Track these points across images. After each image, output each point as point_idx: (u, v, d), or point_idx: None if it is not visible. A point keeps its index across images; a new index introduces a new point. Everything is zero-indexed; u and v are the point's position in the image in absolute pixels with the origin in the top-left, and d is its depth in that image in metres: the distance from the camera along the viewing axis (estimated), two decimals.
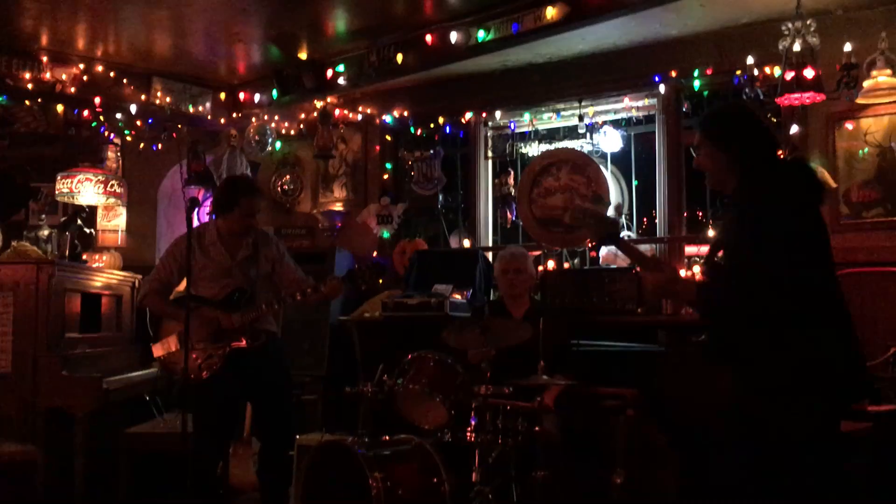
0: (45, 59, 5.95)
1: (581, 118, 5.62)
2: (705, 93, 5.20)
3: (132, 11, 5.31)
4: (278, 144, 6.83)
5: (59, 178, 6.16)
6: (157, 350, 4.30)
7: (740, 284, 2.54)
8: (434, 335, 3.94)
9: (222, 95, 6.70)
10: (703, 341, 3.87)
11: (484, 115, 6.09)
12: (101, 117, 6.38)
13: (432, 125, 6.24)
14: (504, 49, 5.29)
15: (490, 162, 6.20)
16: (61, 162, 6.46)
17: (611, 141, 5.60)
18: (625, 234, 5.55)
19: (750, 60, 4.62)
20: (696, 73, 5.10)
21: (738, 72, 4.79)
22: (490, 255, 5.81)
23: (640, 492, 3.96)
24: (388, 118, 6.38)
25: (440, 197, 6.26)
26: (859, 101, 4.45)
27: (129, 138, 6.68)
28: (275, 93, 6.27)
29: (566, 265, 5.52)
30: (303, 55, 6.02)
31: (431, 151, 6.22)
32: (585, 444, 4.09)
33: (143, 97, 6.32)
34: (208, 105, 6.66)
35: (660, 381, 4.22)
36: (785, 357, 2.51)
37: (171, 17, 5.41)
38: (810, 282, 2.52)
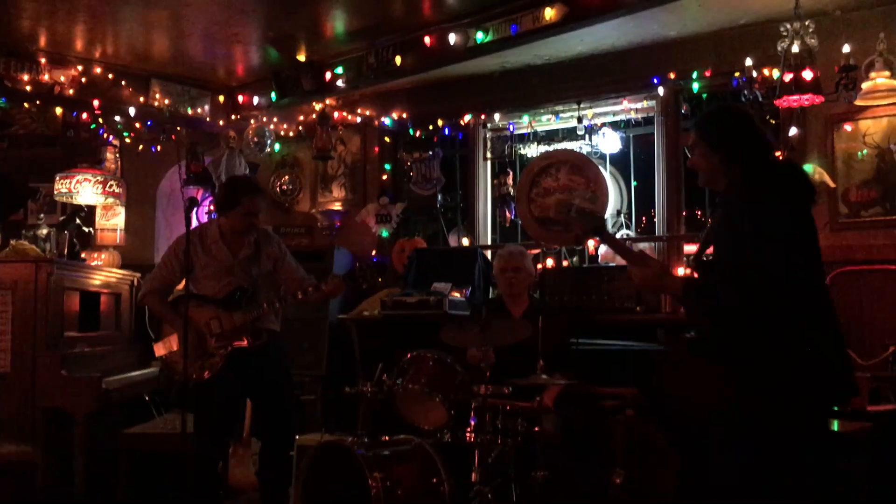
0: (43, 60, 5.94)
1: (580, 120, 5.63)
2: (704, 94, 5.20)
3: (131, 13, 5.31)
4: (277, 146, 6.83)
5: (57, 178, 6.17)
6: (159, 349, 4.29)
7: (727, 282, 2.56)
8: (433, 333, 3.94)
9: (221, 97, 6.69)
10: (692, 338, 3.90)
11: (483, 116, 6.10)
12: (100, 119, 6.37)
13: (431, 127, 6.24)
14: (503, 50, 5.28)
15: (489, 163, 6.21)
16: (60, 163, 6.45)
17: (610, 142, 5.61)
18: (624, 232, 5.57)
19: (748, 62, 4.62)
20: (694, 75, 5.11)
21: (737, 73, 4.79)
22: (489, 254, 5.81)
23: (640, 491, 3.96)
24: (386, 120, 6.39)
25: (439, 196, 6.27)
26: (858, 102, 4.46)
27: (127, 140, 6.67)
28: (273, 95, 6.27)
29: (565, 263, 5.53)
30: (301, 57, 6.02)
31: (430, 152, 6.23)
32: (585, 444, 4.10)
33: (141, 99, 6.32)
34: (207, 107, 6.66)
35: (659, 380, 4.22)
36: (782, 357, 2.53)
37: (169, 18, 5.40)
38: (800, 282, 2.54)
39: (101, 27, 5.59)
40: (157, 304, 4.31)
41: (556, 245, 5.43)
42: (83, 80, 6.08)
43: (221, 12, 5.26)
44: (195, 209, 4.15)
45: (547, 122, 5.93)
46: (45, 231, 6.01)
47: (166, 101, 6.41)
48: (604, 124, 5.66)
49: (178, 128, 6.63)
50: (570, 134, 5.76)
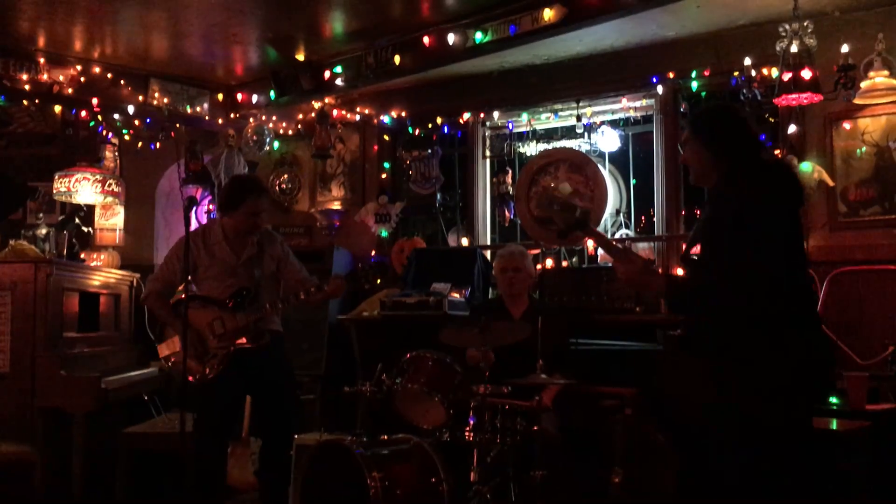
0: (42, 60, 5.94)
1: (579, 118, 5.62)
2: (703, 94, 5.20)
3: (129, 13, 5.30)
4: (276, 144, 6.83)
5: (56, 177, 6.15)
6: (163, 350, 4.27)
7: (726, 282, 2.56)
8: (432, 334, 3.94)
9: (220, 96, 6.69)
10: (679, 335, 3.91)
11: (482, 115, 6.10)
12: (99, 117, 6.38)
13: (430, 125, 6.24)
14: (502, 50, 5.28)
15: (488, 161, 6.21)
16: (59, 162, 6.45)
17: (609, 141, 5.60)
18: (623, 232, 5.57)
19: (747, 61, 4.62)
20: (693, 74, 5.12)
21: (736, 73, 4.79)
22: (488, 254, 5.81)
23: (639, 491, 3.97)
24: (386, 119, 6.39)
25: (438, 196, 6.27)
26: (857, 101, 4.46)
27: (126, 138, 6.67)
28: (272, 94, 6.27)
29: (564, 263, 5.53)
30: (300, 56, 6.01)
31: (429, 151, 6.23)
32: (584, 444, 4.11)
33: (140, 98, 6.31)
34: (206, 106, 6.66)
35: (659, 380, 4.23)
36: (782, 357, 2.53)
37: (168, 18, 5.39)
38: (798, 281, 2.55)
39: (99, 28, 5.59)
40: (158, 306, 4.28)
41: (556, 245, 5.42)
42: (82, 79, 6.08)
43: (220, 14, 5.25)
44: (194, 208, 4.14)
45: (546, 120, 5.93)
46: (44, 231, 6.00)
47: (165, 100, 6.41)
48: (603, 122, 5.66)
49: (178, 126, 6.63)
50: (570, 132, 5.76)
